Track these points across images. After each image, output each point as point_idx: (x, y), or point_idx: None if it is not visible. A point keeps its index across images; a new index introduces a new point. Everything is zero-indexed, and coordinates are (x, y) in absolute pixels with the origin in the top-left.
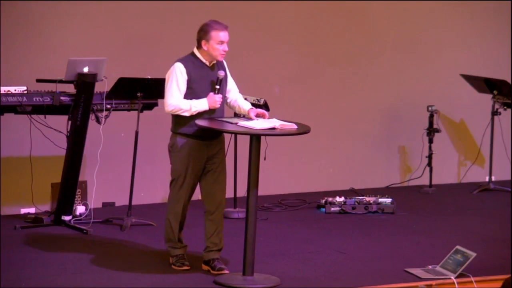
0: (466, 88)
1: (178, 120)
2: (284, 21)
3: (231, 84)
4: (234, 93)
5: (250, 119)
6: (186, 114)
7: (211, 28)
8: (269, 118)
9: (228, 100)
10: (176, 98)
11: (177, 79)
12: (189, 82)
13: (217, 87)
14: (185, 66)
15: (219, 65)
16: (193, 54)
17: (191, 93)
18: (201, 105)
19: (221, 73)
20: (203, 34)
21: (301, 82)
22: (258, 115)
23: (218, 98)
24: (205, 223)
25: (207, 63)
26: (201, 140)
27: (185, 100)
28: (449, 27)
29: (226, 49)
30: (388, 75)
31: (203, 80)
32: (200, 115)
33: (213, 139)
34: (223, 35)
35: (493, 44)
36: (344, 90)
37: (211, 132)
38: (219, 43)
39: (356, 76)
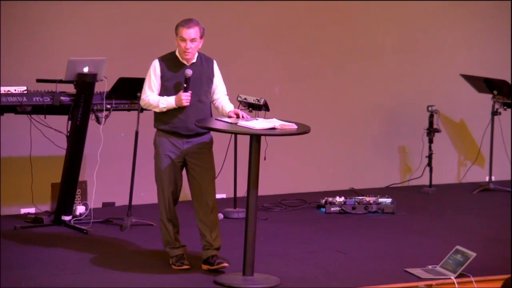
0: (466, 88)
1: (156, 116)
2: (284, 21)
3: (218, 85)
4: (219, 94)
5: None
6: (156, 110)
7: (178, 25)
8: (269, 118)
9: (213, 101)
10: (147, 94)
11: (150, 75)
12: (162, 80)
13: (184, 85)
14: (160, 63)
15: (204, 65)
16: (173, 52)
17: (164, 90)
18: (168, 102)
19: (188, 72)
20: (175, 31)
21: (301, 82)
22: (236, 113)
23: (184, 96)
24: (197, 224)
25: (185, 62)
26: (176, 136)
27: (156, 96)
28: (449, 27)
29: (188, 47)
30: (388, 75)
31: (177, 78)
32: (171, 112)
33: (191, 136)
34: (183, 31)
35: (493, 44)
36: (344, 90)
37: (187, 129)
38: (180, 39)
39: (356, 76)
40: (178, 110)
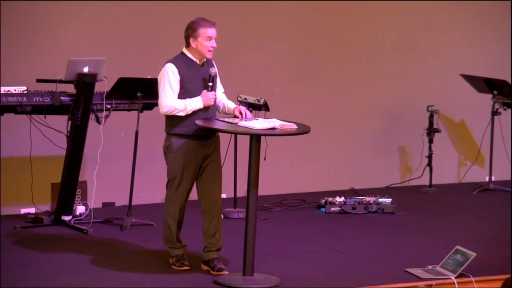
0: (466, 88)
1: (173, 121)
2: (284, 21)
3: (218, 84)
4: (218, 93)
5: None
6: (182, 113)
7: (198, 25)
8: (269, 118)
9: None
10: (170, 99)
11: (169, 80)
12: (181, 82)
13: (210, 84)
14: (177, 66)
15: (209, 64)
16: (183, 53)
17: (184, 93)
18: (195, 103)
19: (213, 70)
20: (190, 31)
21: (301, 82)
22: (240, 112)
23: (211, 95)
24: (202, 222)
25: (198, 61)
26: (197, 140)
27: (180, 100)
28: (449, 27)
29: (215, 45)
30: (388, 75)
31: (195, 78)
32: (194, 114)
33: (208, 138)
34: (210, 31)
35: (493, 44)
36: (344, 90)
37: (206, 131)
38: (207, 39)
39: (356, 76)
40: (203, 111)
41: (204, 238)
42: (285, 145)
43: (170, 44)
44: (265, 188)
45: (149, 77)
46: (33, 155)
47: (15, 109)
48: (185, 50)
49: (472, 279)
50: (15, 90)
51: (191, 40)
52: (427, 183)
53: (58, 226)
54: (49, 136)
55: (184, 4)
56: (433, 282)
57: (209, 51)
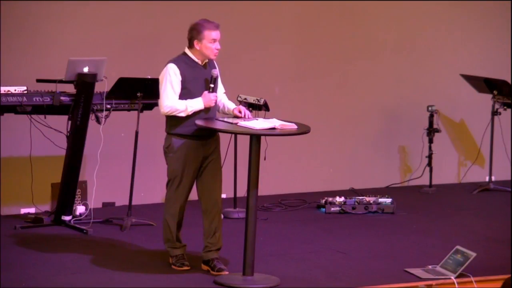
0: (466, 88)
1: (173, 121)
2: (284, 21)
3: (219, 84)
4: (219, 93)
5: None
6: (182, 114)
7: (203, 27)
8: (269, 118)
9: None
10: (172, 100)
11: (171, 80)
12: (183, 83)
13: (212, 85)
14: (178, 67)
15: (211, 64)
16: (185, 54)
17: (186, 93)
18: (196, 104)
19: (214, 72)
20: (195, 33)
21: (301, 82)
22: (239, 111)
23: (213, 96)
24: (203, 222)
25: (200, 62)
26: (197, 140)
27: (181, 100)
28: (449, 27)
29: (219, 47)
30: (388, 75)
31: (197, 79)
32: (195, 114)
33: (208, 138)
34: (215, 34)
35: (493, 44)
36: (344, 90)
37: (207, 131)
38: (211, 41)
39: (356, 76)
40: (203, 111)
41: (204, 237)
42: (285, 145)
43: (170, 44)
44: (265, 188)
45: (149, 77)
46: (33, 155)
47: (15, 109)
48: (187, 51)
49: (472, 279)
50: (15, 90)
51: (195, 42)
52: (427, 183)
53: (58, 226)
54: (49, 136)
55: (184, 4)
56: (433, 282)
57: (213, 53)
